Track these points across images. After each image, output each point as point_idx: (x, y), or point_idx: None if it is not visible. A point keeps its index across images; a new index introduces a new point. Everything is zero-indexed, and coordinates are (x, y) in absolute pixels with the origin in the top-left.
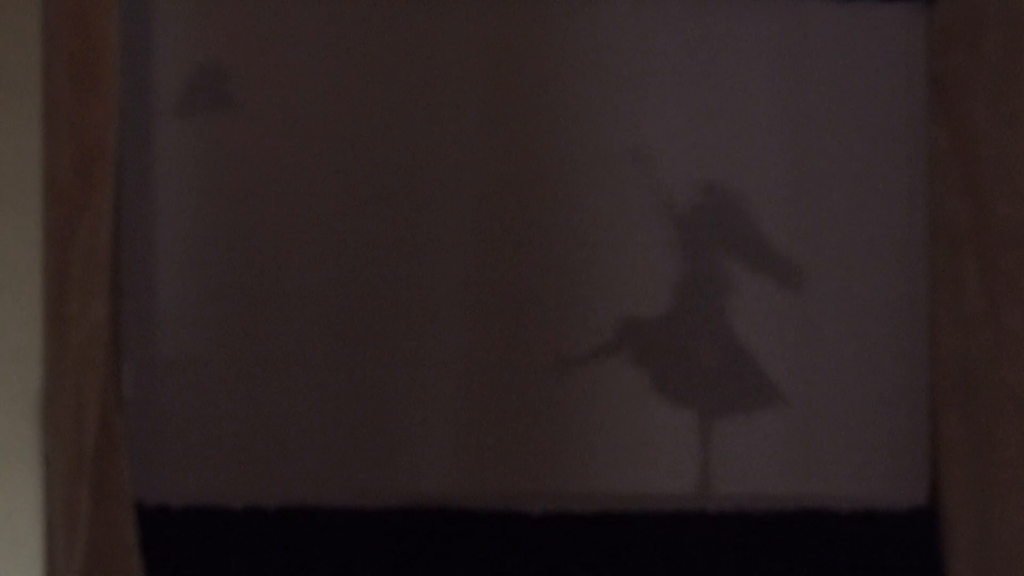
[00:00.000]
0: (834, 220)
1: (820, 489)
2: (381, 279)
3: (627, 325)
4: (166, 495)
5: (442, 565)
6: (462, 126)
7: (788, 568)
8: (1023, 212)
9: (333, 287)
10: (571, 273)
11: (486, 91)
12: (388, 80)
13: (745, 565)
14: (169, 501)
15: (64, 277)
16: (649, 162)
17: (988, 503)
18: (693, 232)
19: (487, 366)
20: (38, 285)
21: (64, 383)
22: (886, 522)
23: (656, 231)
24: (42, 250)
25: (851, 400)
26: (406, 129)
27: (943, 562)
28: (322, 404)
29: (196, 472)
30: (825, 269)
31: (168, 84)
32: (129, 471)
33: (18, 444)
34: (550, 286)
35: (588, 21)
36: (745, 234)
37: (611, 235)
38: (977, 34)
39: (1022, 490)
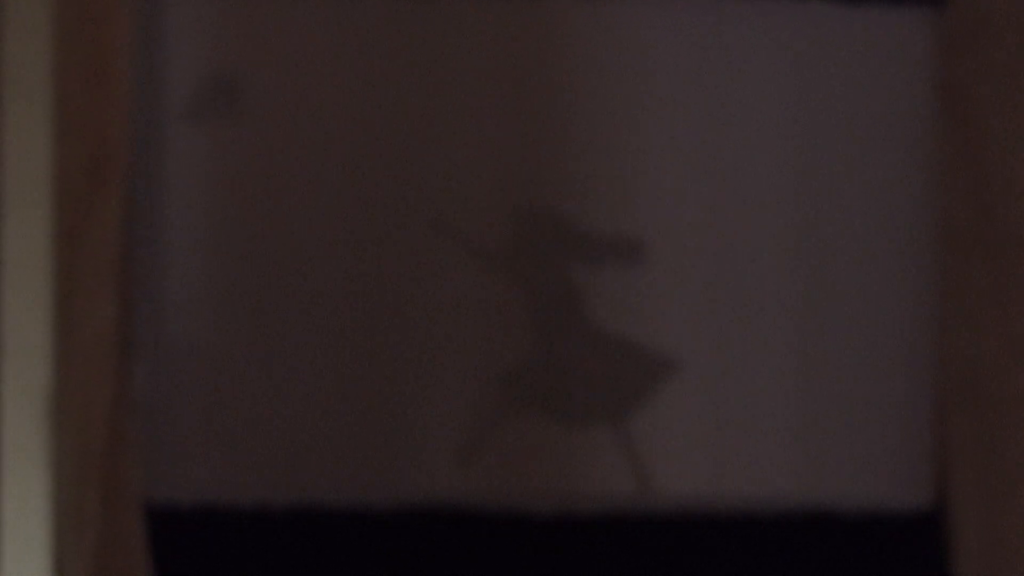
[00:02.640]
0: (841, 222)
1: (826, 491)
2: (389, 280)
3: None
4: (174, 493)
5: (446, 564)
6: (470, 131)
7: (794, 570)
8: None
9: (341, 288)
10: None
11: (496, 97)
12: (396, 84)
13: (751, 566)
14: (177, 499)
15: (73, 276)
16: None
17: (995, 505)
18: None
19: (492, 367)
20: (48, 284)
21: (73, 381)
22: (892, 524)
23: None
24: (52, 249)
25: (857, 402)
26: (411, 132)
27: (949, 564)
28: (330, 404)
29: (204, 471)
30: (832, 271)
31: (179, 88)
32: (138, 469)
33: (27, 442)
34: (554, 284)
35: (596, 25)
36: (574, 234)
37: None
38: (986, 38)
39: None
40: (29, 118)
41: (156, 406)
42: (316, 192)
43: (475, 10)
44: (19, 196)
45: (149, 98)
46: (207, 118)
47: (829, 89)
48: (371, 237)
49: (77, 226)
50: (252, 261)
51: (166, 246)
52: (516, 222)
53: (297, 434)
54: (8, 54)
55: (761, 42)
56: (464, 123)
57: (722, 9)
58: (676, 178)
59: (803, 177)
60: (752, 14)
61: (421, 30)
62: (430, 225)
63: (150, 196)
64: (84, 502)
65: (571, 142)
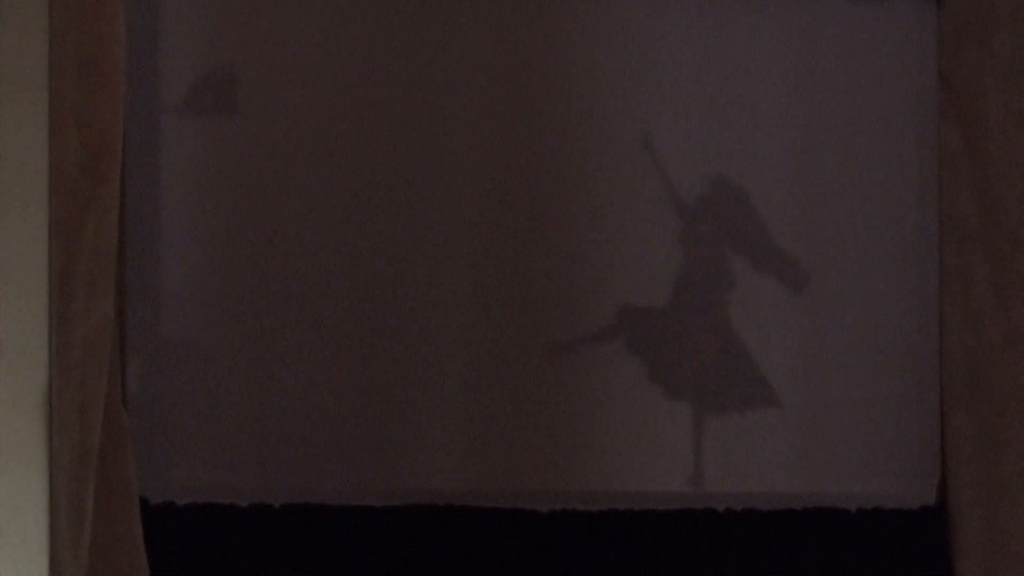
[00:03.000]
0: (843, 217)
1: (829, 487)
2: (387, 276)
3: (626, 314)
4: (171, 492)
5: (446, 561)
6: (470, 125)
7: (797, 565)
8: None
9: (339, 285)
10: (576, 265)
11: (494, 91)
12: (391, 80)
13: (754, 562)
14: (174, 497)
15: (70, 273)
16: (658, 154)
17: (997, 501)
18: (698, 226)
19: (492, 360)
20: (44, 281)
21: (70, 379)
22: (895, 520)
23: (662, 223)
24: (48, 246)
25: (860, 399)
26: (409, 126)
27: (952, 560)
28: (327, 402)
29: (201, 469)
30: (834, 267)
31: (175, 84)
32: (135, 468)
33: (24, 440)
34: (556, 279)
35: (600, 17)
36: (750, 231)
37: (617, 226)
38: (987, 32)
39: None
40: (26, 114)
41: (151, 404)
42: (312, 187)
43: (472, 7)
44: (16, 192)
45: (146, 94)
46: (203, 113)
47: (830, 82)
48: (367, 233)
49: (74, 222)
50: (249, 257)
51: (163, 242)
52: (507, 219)
53: (295, 432)
54: (5, 51)
55: (762, 35)
56: (459, 119)
57: (722, 5)
58: (678, 168)
59: (804, 167)
60: (754, 8)
61: (417, 27)
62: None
63: (146, 191)
64: (81, 499)
65: (568, 138)
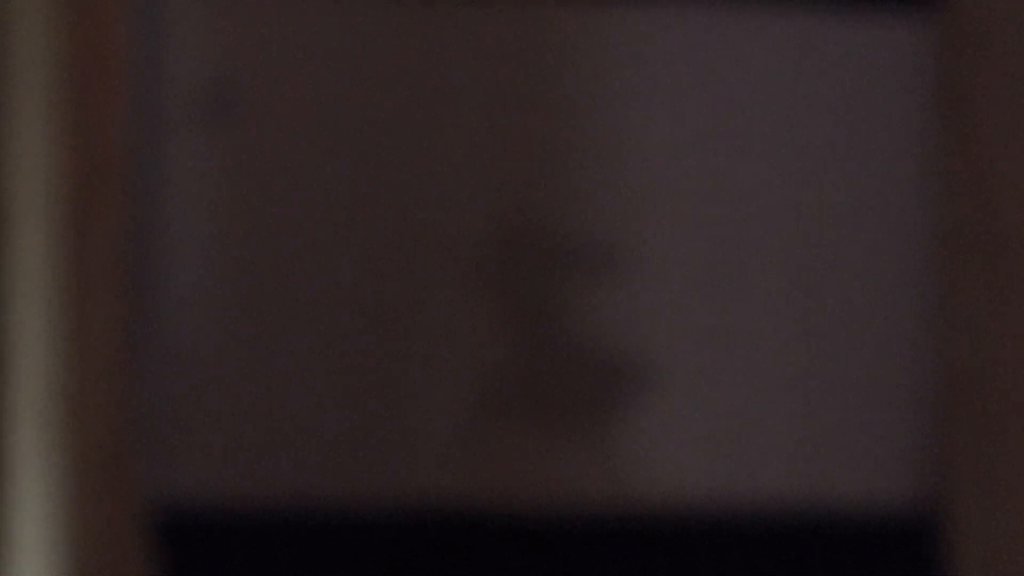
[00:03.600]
0: (838, 224)
1: (823, 493)
2: (386, 285)
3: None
4: (178, 497)
5: (436, 567)
6: (468, 137)
7: (791, 572)
8: None
9: (338, 292)
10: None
11: (496, 102)
12: (397, 89)
13: (747, 567)
14: (180, 503)
15: (78, 279)
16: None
17: (995, 508)
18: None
19: (494, 366)
20: (54, 287)
21: (77, 384)
22: (891, 528)
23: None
24: (57, 252)
25: (855, 403)
26: (412, 138)
27: (949, 566)
28: (331, 407)
29: (207, 474)
30: (830, 273)
31: (181, 93)
32: (142, 473)
33: (34, 445)
34: (539, 292)
35: (590, 30)
36: (565, 242)
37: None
38: (985, 38)
39: None
40: (33, 123)
41: (159, 409)
42: (316, 197)
43: (473, 17)
44: (25, 200)
45: (153, 101)
46: (210, 121)
47: (825, 88)
48: (371, 243)
49: (83, 229)
50: (253, 264)
51: (170, 247)
52: (505, 228)
53: (301, 438)
54: (12, 61)
55: (757, 42)
56: (462, 130)
57: (714, 15)
58: (669, 186)
59: (800, 178)
60: (747, 19)
61: (423, 36)
62: (415, 233)
63: (152, 199)
64: (87, 504)
65: (565, 150)
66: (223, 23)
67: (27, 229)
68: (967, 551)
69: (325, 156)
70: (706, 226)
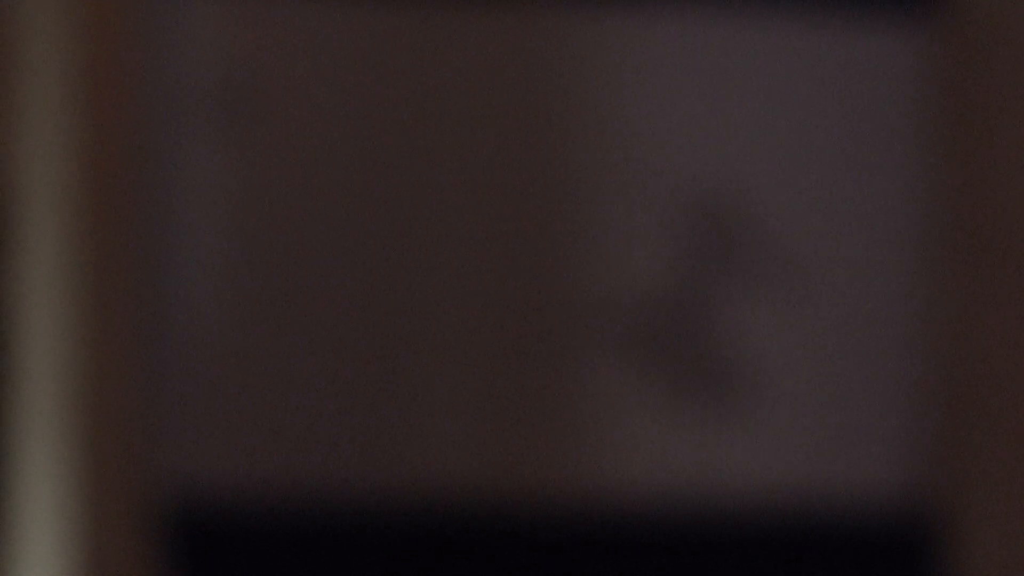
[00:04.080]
0: (839, 222)
1: (825, 491)
2: (399, 274)
3: (619, 309)
4: (191, 486)
5: (451, 560)
6: (478, 134)
7: (790, 568)
8: None
9: (353, 284)
10: (574, 265)
11: (509, 102)
12: (410, 91)
13: (748, 564)
14: (194, 492)
15: (93, 273)
16: (650, 167)
17: (997, 507)
18: (691, 228)
19: (497, 357)
20: (67, 282)
21: (91, 377)
22: (893, 526)
23: (654, 222)
24: (71, 246)
25: (855, 401)
26: (425, 137)
27: (952, 562)
28: (345, 397)
29: (221, 463)
30: (830, 272)
31: (194, 93)
32: (156, 463)
33: (44, 439)
34: (556, 279)
35: (592, 36)
36: (742, 235)
37: (612, 237)
38: (987, 45)
39: None
40: (47, 122)
41: (169, 402)
42: (326, 193)
43: (487, 18)
44: (39, 200)
45: (164, 101)
46: (221, 121)
47: (827, 96)
48: (380, 237)
49: (96, 228)
50: (265, 258)
51: (183, 242)
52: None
53: (306, 428)
54: (26, 58)
55: (758, 45)
56: (474, 128)
57: (717, 22)
58: (672, 175)
59: (798, 176)
60: (750, 20)
61: (436, 37)
62: (423, 226)
63: (166, 196)
64: (102, 495)
65: (571, 149)
66: (236, 23)
67: (42, 224)
68: (974, 549)
69: (336, 154)
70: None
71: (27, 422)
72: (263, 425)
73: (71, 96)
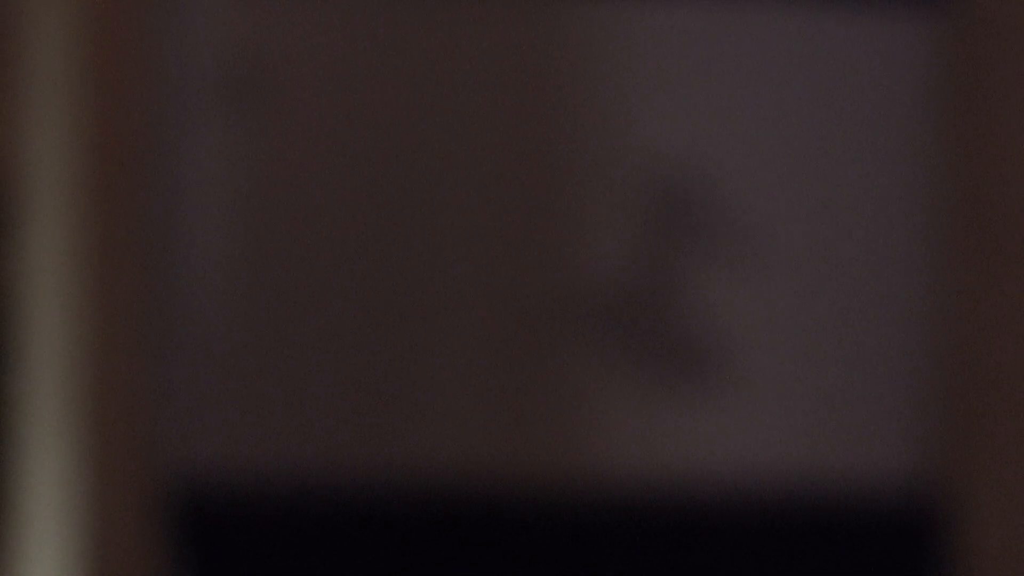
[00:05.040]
0: (842, 217)
1: (829, 484)
2: (405, 266)
3: (600, 294)
4: (197, 472)
5: (457, 552)
6: (480, 127)
7: (797, 564)
8: None
9: (359, 271)
10: (545, 251)
11: (516, 93)
12: (420, 79)
13: (752, 546)
14: (200, 478)
15: (99, 261)
16: (625, 149)
17: (1001, 501)
18: (669, 215)
19: (470, 344)
20: (74, 270)
21: (95, 368)
22: (896, 520)
23: (637, 211)
24: (79, 233)
25: (837, 380)
26: (434, 126)
27: (955, 560)
28: (349, 383)
29: (226, 450)
30: (833, 266)
31: (202, 80)
32: (161, 450)
33: (53, 433)
34: (529, 264)
35: (598, 27)
36: (720, 219)
37: (584, 221)
38: (996, 36)
39: None
40: (55, 111)
41: (175, 390)
42: (335, 180)
43: (491, 11)
44: (42, 194)
45: (172, 89)
46: (230, 108)
47: (828, 84)
48: (388, 224)
49: (100, 220)
50: (272, 244)
51: (190, 230)
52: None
53: (311, 414)
54: (34, 46)
55: (762, 38)
56: (481, 123)
57: (726, 12)
58: (669, 176)
59: (800, 169)
60: (755, 16)
61: (446, 23)
62: (430, 213)
63: (175, 182)
64: (108, 484)
65: (572, 141)
66: (242, 11)
67: (48, 214)
68: (976, 541)
69: (346, 142)
70: (710, 215)
71: (33, 411)
72: (267, 413)
73: (77, 85)
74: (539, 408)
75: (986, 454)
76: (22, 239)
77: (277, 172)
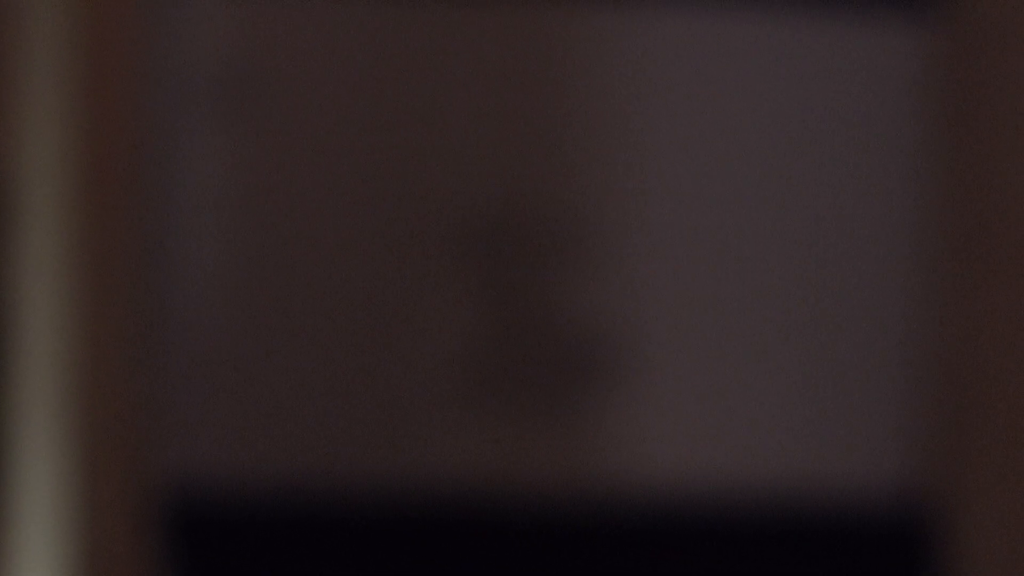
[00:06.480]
0: (834, 214)
1: (823, 489)
2: (394, 272)
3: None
4: (191, 477)
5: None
6: (476, 125)
7: (791, 567)
8: None
9: (350, 277)
10: (568, 264)
11: (512, 98)
12: (412, 83)
13: (739, 555)
14: (194, 483)
15: (92, 265)
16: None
17: (996, 506)
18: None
19: (491, 349)
20: (66, 272)
21: (88, 377)
22: (887, 527)
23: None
24: (71, 236)
25: (848, 391)
26: (426, 129)
27: (950, 558)
28: (337, 389)
29: (219, 454)
30: (824, 273)
31: (195, 84)
32: (155, 455)
33: (48, 436)
34: (556, 276)
35: (590, 31)
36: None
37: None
38: (991, 44)
39: None
40: (46, 114)
41: (169, 394)
42: (327, 185)
43: (487, 13)
44: (37, 197)
45: (165, 93)
46: (223, 113)
47: (826, 93)
48: (378, 231)
49: (95, 224)
50: (264, 250)
51: (183, 234)
52: (492, 214)
53: (301, 420)
54: (26, 49)
55: (756, 44)
56: (469, 119)
57: (717, 17)
58: (664, 181)
59: (801, 172)
60: (750, 23)
61: (439, 28)
62: (421, 221)
63: (164, 190)
64: (100, 488)
65: (568, 147)
66: (237, 13)
67: (42, 216)
68: (970, 546)
69: (341, 145)
70: (702, 219)
71: (26, 415)
72: (261, 418)
73: (72, 87)
74: (537, 420)
75: (977, 460)
76: (15, 242)
77: (274, 176)
